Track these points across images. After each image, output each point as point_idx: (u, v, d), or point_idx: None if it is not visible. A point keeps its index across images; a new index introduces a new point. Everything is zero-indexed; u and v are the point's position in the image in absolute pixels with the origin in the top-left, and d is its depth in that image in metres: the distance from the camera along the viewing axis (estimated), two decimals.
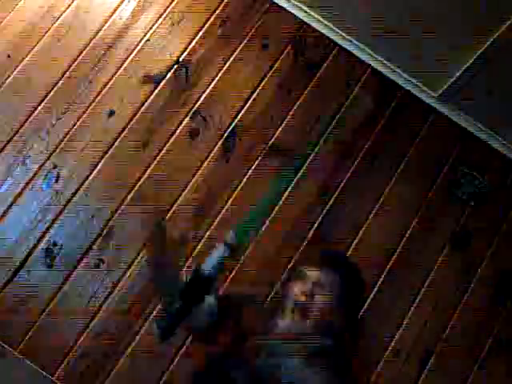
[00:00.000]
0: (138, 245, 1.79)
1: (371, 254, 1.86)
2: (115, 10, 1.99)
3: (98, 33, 1.96)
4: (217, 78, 1.96)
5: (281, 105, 1.96)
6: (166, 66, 1.96)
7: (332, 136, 1.95)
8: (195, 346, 1.68)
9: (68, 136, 1.87)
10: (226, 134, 1.92)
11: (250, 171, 1.89)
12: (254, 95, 1.96)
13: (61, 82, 1.91)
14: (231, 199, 1.86)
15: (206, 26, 2.00)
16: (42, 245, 1.77)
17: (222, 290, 1.76)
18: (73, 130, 1.87)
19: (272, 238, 1.84)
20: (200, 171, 1.88)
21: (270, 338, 1.34)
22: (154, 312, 1.71)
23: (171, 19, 2.00)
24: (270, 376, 1.26)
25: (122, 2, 2.00)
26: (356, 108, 1.97)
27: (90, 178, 1.84)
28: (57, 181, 1.82)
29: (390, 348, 1.80)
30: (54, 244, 1.77)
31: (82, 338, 1.71)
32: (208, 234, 1.81)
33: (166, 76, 1.95)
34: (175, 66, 1.96)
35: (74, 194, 1.82)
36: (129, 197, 1.83)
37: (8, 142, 1.84)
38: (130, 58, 1.95)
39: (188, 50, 1.98)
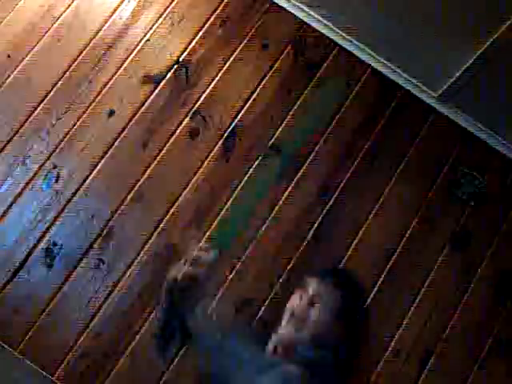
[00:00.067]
0: (137, 245, 1.79)
1: (371, 254, 1.86)
2: (115, 10, 1.99)
3: (98, 33, 1.96)
4: (217, 78, 1.96)
5: (281, 105, 1.96)
6: (166, 66, 1.96)
7: (332, 136, 1.96)
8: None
9: (68, 136, 1.87)
10: (226, 134, 1.92)
11: (250, 171, 1.89)
12: (254, 95, 1.96)
13: (61, 82, 1.91)
14: (231, 199, 1.86)
15: (206, 26, 2.00)
16: (42, 245, 1.77)
17: (222, 291, 1.76)
18: (73, 129, 1.87)
19: (272, 238, 1.84)
20: (200, 171, 1.88)
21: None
22: (154, 312, 1.71)
23: (171, 19, 2.00)
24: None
25: (121, 2, 2.00)
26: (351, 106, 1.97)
27: (90, 177, 1.84)
28: (57, 181, 1.82)
29: (390, 348, 1.80)
30: (54, 244, 1.77)
31: (82, 338, 1.71)
32: (208, 234, 1.82)
33: (166, 76, 1.95)
34: (175, 66, 1.96)
35: (74, 194, 1.82)
36: (129, 197, 1.83)
37: (8, 142, 1.84)
38: (129, 58, 1.95)
39: (188, 50, 1.97)
